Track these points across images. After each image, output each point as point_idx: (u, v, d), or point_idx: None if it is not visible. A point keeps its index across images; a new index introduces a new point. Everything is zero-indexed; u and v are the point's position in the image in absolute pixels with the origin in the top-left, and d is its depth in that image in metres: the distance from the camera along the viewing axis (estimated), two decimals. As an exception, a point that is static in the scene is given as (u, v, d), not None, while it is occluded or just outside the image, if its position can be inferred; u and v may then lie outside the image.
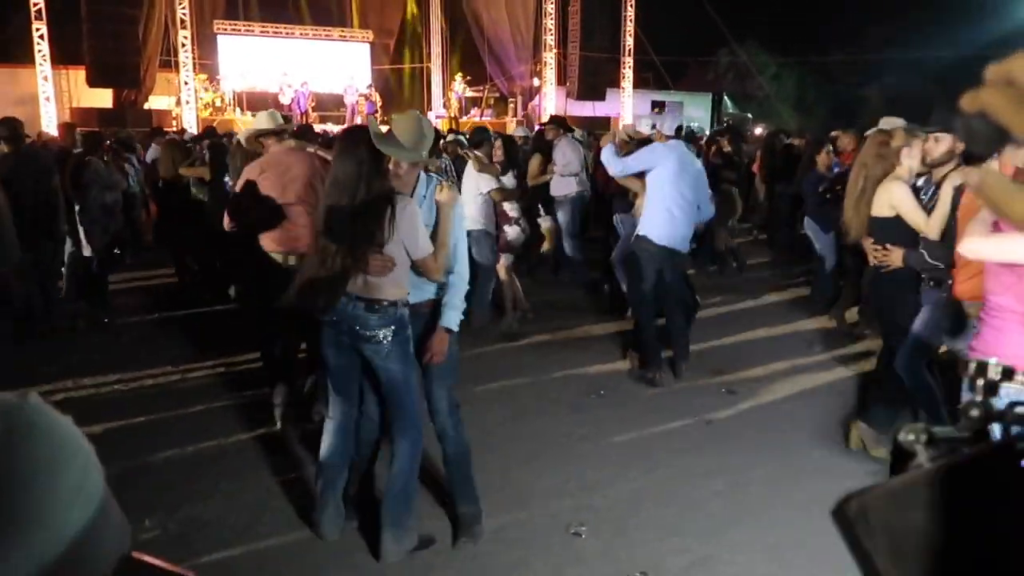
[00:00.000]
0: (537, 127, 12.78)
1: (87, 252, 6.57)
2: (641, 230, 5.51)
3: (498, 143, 6.68)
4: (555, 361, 5.97)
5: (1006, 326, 2.62)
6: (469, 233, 6.60)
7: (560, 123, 9.15)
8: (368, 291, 3.13)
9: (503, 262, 6.69)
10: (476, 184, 6.35)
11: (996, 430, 0.66)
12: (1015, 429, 0.66)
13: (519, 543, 3.48)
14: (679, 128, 5.81)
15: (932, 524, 0.52)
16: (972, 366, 0.69)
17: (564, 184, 8.28)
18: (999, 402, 0.67)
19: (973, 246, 2.70)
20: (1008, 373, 0.70)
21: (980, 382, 0.69)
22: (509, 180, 6.51)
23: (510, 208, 6.52)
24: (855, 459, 4.30)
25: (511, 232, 6.56)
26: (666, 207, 5.38)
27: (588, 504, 3.80)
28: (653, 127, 5.86)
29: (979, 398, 0.68)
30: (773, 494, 3.89)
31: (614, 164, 5.67)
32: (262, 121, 4.86)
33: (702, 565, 3.34)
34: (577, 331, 6.79)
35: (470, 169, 6.43)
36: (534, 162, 8.46)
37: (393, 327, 3.17)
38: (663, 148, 5.60)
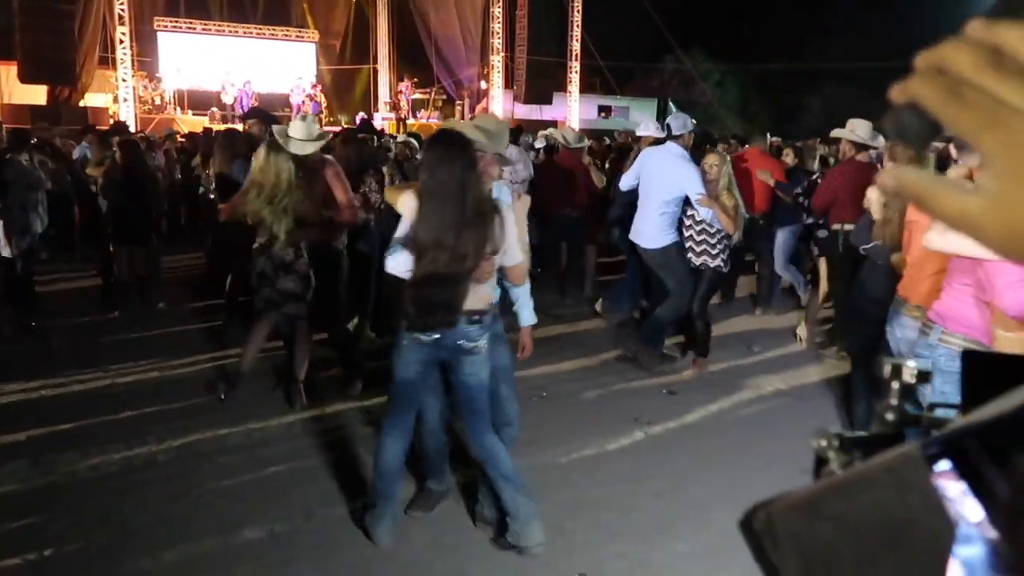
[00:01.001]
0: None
1: (5, 252, 6.29)
2: None
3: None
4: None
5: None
6: None
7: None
8: (467, 303, 3.12)
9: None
10: None
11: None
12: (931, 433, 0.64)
13: (456, 549, 3.44)
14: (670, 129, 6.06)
15: (841, 536, 0.49)
16: (888, 368, 0.66)
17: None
18: (915, 406, 0.65)
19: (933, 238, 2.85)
20: (924, 376, 0.67)
21: (895, 385, 0.66)
22: None
23: None
24: (795, 459, 4.34)
25: None
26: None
27: (528, 508, 3.77)
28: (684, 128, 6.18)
29: (895, 401, 0.65)
30: (712, 495, 3.91)
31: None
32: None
33: (641, 568, 3.34)
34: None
35: None
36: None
37: (487, 335, 3.25)
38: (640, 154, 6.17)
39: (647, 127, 7.22)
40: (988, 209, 0.44)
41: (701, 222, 5.61)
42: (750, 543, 0.53)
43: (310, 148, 4.94)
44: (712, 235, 5.63)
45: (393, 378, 3.31)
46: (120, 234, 7.04)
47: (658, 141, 6.50)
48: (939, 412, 0.73)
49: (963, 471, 0.51)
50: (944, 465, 0.53)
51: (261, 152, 4.74)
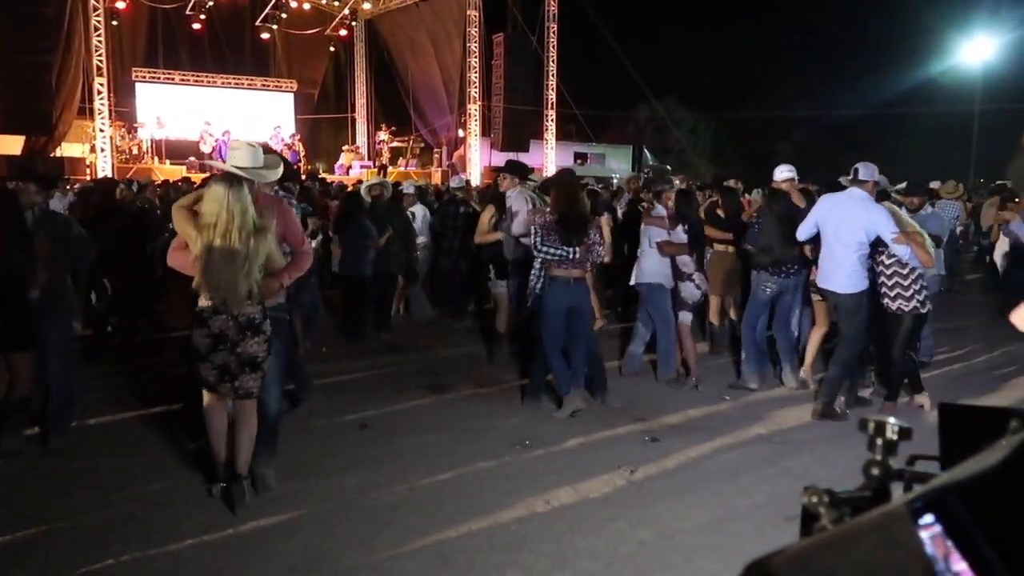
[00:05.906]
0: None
1: None
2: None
3: (670, 195, 6.64)
4: (480, 414, 5.92)
5: None
6: (646, 285, 6.48)
7: (515, 169, 7.15)
8: None
9: (682, 319, 6.57)
10: (647, 236, 6.45)
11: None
12: (914, 487, 0.67)
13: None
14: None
15: (834, 591, 0.52)
16: (871, 426, 0.70)
17: (519, 246, 6.71)
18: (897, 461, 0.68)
19: None
20: (906, 432, 0.71)
21: (879, 441, 0.70)
22: (679, 234, 6.41)
23: (683, 263, 6.44)
24: (779, 506, 4.36)
25: (684, 288, 6.51)
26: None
27: (515, 560, 3.74)
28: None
29: (879, 457, 0.69)
30: (697, 542, 3.90)
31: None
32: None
33: (628, 618, 3.31)
34: (504, 384, 6.76)
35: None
36: (485, 215, 7.30)
37: None
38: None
39: (784, 171, 6.95)
40: None
41: (892, 265, 5.65)
42: (748, 598, 0.56)
43: (275, 175, 4.36)
44: (904, 276, 5.66)
45: None
46: None
47: (835, 187, 6.27)
48: (920, 466, 0.77)
49: (946, 526, 0.54)
50: (928, 519, 0.56)
51: (218, 188, 3.89)
